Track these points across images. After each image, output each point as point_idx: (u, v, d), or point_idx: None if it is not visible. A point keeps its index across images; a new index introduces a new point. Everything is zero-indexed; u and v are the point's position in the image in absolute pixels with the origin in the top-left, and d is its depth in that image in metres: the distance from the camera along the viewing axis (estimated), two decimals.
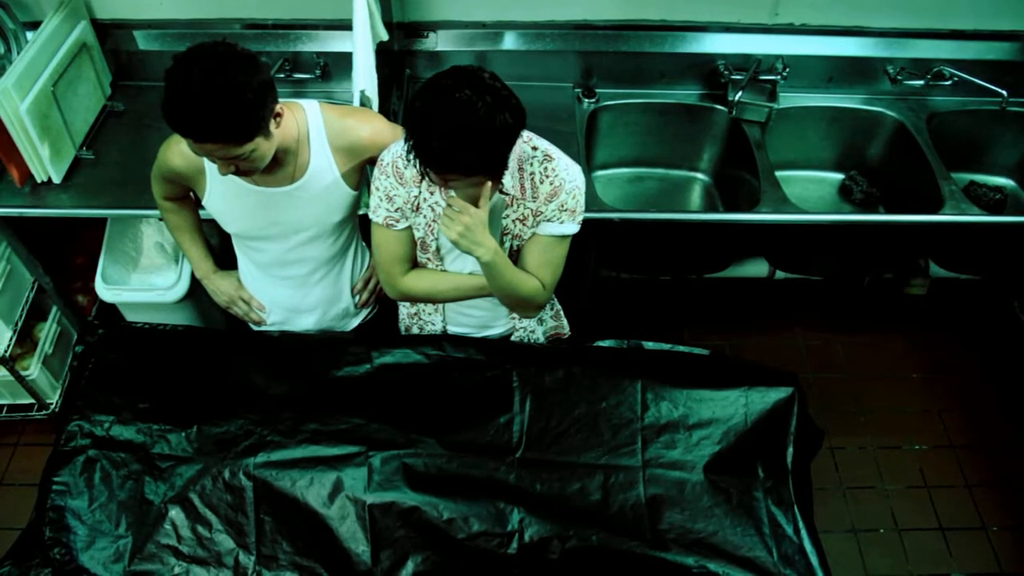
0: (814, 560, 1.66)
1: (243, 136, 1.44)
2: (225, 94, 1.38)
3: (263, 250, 1.83)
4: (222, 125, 1.40)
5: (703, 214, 2.56)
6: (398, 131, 1.75)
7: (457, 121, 1.33)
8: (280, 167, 1.65)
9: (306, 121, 1.67)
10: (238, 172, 1.54)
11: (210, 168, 1.67)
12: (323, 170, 1.69)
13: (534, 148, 1.59)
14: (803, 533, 1.68)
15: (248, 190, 1.68)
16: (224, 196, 1.71)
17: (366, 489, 1.62)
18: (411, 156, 1.39)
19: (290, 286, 1.91)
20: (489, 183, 1.50)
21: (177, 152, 1.67)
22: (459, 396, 1.77)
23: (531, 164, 1.58)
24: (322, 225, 1.78)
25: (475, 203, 1.52)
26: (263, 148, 1.51)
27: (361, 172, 1.78)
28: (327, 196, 1.73)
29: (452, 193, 1.56)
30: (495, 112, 1.34)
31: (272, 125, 1.50)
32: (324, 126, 1.68)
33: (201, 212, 1.94)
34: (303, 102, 1.69)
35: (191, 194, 1.85)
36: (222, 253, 2.03)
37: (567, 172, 1.59)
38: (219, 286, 1.98)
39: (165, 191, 1.84)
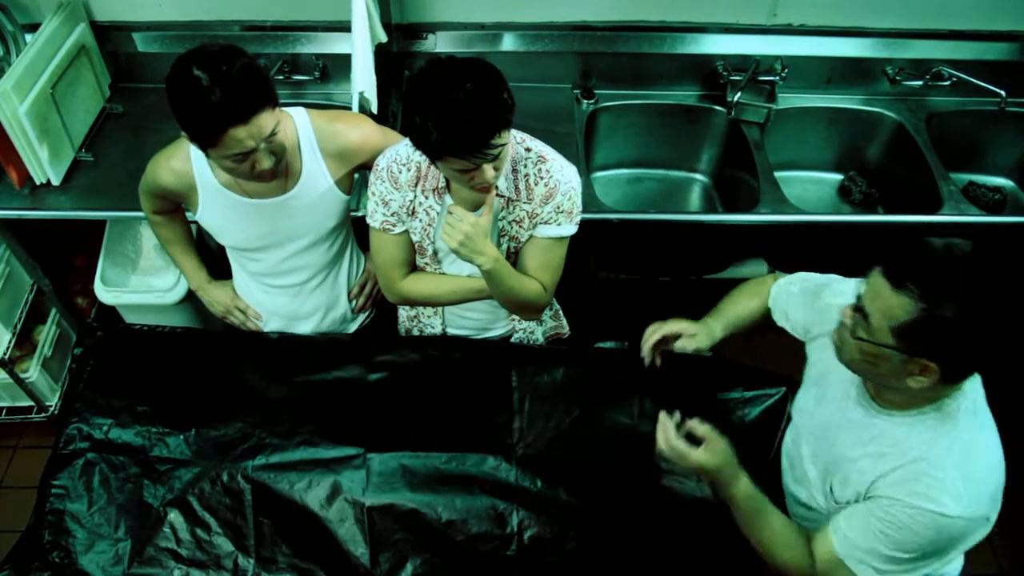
0: None
1: (273, 96, 1.45)
2: (241, 68, 1.38)
3: (259, 260, 1.82)
4: (255, 91, 1.40)
5: (702, 215, 2.56)
6: (388, 134, 1.74)
7: (466, 95, 1.31)
8: (273, 177, 1.63)
9: (295, 129, 1.65)
10: (263, 176, 1.53)
11: (202, 184, 1.66)
12: (316, 177, 1.69)
13: (527, 150, 1.58)
14: None
15: (241, 203, 1.67)
16: (218, 211, 1.70)
17: (364, 491, 1.62)
18: (448, 154, 1.37)
19: (287, 294, 1.90)
20: (492, 191, 1.49)
21: (167, 169, 1.65)
22: (458, 397, 1.77)
23: (525, 166, 1.58)
24: (317, 232, 1.77)
25: (476, 210, 1.51)
26: (284, 123, 1.51)
27: (352, 176, 1.77)
28: (321, 203, 1.72)
29: (451, 200, 1.56)
30: (485, 74, 1.34)
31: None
32: (314, 132, 1.67)
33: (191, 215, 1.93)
34: (290, 110, 1.66)
35: (181, 206, 1.84)
36: (220, 258, 2.02)
37: (562, 173, 1.58)
38: (214, 296, 1.98)
39: (155, 206, 1.82)
